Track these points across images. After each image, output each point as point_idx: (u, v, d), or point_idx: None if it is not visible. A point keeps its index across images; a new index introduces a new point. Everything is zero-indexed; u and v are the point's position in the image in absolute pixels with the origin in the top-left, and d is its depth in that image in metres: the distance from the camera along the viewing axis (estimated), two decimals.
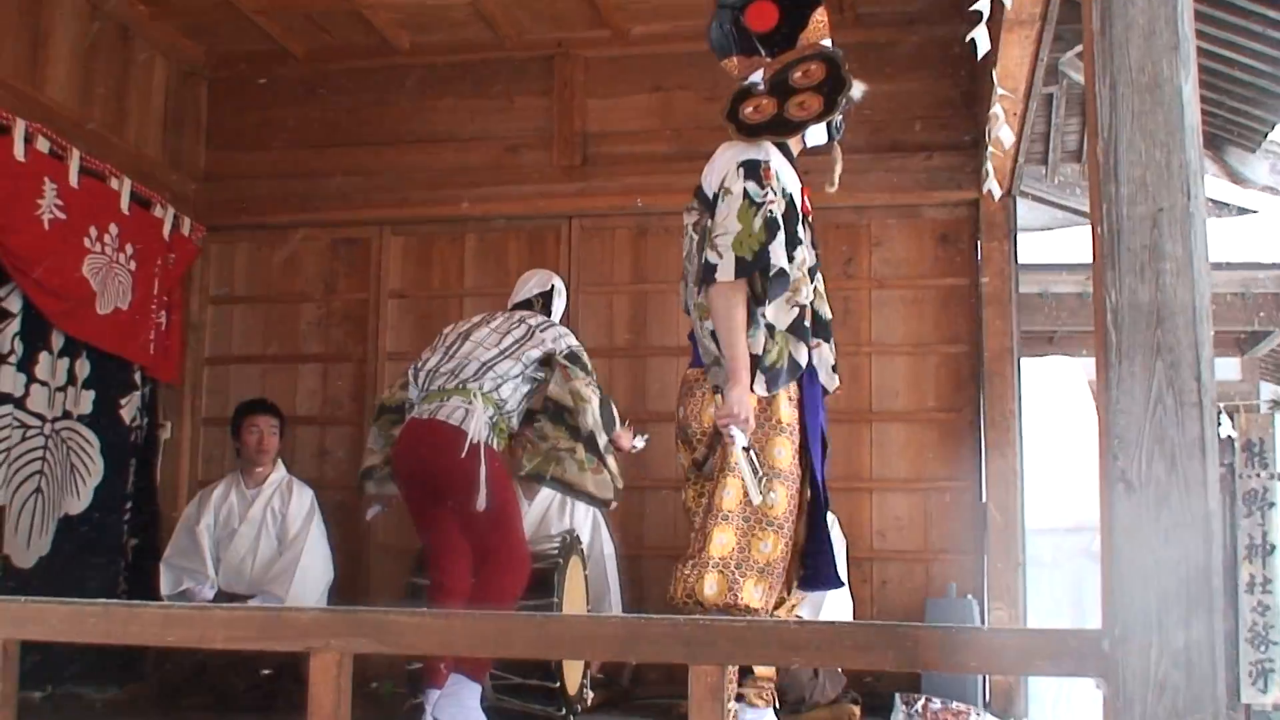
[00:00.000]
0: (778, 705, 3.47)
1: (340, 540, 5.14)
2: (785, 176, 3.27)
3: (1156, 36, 1.95)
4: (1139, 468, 1.86)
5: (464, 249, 5.75)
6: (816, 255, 3.42)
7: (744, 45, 3.38)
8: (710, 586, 3.13)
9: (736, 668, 3.18)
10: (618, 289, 5.62)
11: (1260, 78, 6.46)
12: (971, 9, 3.42)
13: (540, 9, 5.46)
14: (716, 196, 3.25)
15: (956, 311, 5.32)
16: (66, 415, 4.95)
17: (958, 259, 5.35)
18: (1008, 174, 5.03)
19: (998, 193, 4.94)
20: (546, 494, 4.71)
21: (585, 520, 4.82)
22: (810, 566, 3.33)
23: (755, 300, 3.19)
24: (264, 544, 4.92)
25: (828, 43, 3.33)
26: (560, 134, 5.66)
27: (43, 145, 4.69)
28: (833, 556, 3.35)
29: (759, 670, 3.31)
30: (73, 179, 4.84)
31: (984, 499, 5.13)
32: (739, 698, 3.28)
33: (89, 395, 5.06)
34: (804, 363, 3.26)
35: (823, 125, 3.36)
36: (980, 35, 3.58)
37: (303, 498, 5.02)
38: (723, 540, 3.16)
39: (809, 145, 3.50)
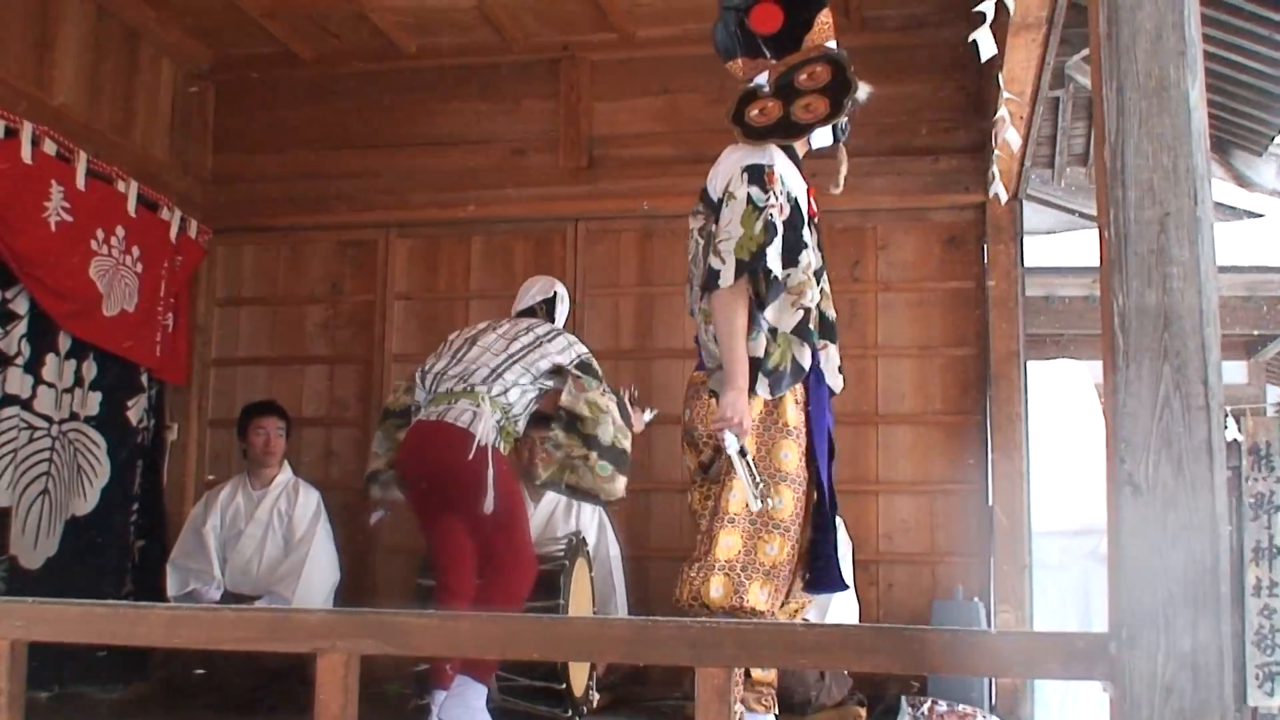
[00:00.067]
0: (778, 711, 3.46)
1: (346, 541, 5.14)
2: (790, 180, 3.27)
3: (1163, 41, 1.95)
4: (1146, 471, 1.86)
5: (470, 251, 5.76)
6: (822, 257, 3.42)
7: (749, 47, 3.38)
8: (716, 589, 3.13)
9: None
10: (624, 291, 5.62)
11: (1267, 82, 6.46)
12: (975, 9, 3.42)
13: (546, 12, 5.46)
14: (721, 200, 3.25)
15: (963, 314, 5.31)
16: (73, 417, 4.95)
17: (964, 262, 5.34)
18: (1014, 177, 5.02)
19: (1004, 196, 4.94)
20: (552, 496, 4.71)
21: (591, 522, 4.83)
22: (815, 569, 3.33)
23: (757, 303, 3.19)
24: (270, 545, 4.93)
25: (833, 45, 3.33)
26: (566, 137, 5.66)
27: (50, 148, 4.70)
28: (838, 559, 3.35)
29: (757, 674, 3.30)
30: (80, 181, 4.85)
31: (990, 502, 5.12)
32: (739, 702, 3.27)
33: (96, 397, 5.06)
34: (807, 365, 3.26)
35: (828, 128, 3.37)
36: (983, 37, 3.58)
37: (309, 499, 5.03)
38: (729, 543, 3.16)
39: (814, 148, 3.50)
